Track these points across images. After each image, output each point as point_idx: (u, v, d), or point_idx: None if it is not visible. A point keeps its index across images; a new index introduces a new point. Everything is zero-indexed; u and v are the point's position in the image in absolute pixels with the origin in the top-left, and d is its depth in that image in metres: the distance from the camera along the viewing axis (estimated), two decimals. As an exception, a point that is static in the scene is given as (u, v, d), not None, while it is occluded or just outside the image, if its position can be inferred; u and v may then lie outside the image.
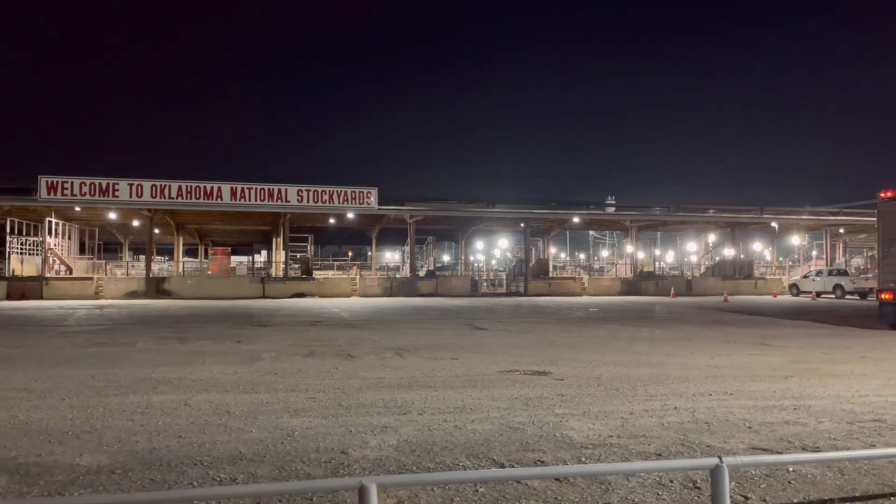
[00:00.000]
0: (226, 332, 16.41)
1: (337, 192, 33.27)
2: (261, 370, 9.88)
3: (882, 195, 18.29)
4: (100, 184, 30.16)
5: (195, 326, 17.81)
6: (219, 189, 31.64)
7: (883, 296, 18.31)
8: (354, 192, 33.56)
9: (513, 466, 4.81)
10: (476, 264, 64.12)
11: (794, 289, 38.24)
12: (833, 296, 35.85)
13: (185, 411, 6.60)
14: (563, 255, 77.82)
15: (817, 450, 5.39)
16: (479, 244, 75.51)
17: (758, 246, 59.63)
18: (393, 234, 51.17)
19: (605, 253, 72.64)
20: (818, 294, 36.26)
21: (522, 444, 5.45)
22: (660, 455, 5.15)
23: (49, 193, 29.63)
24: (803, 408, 7.08)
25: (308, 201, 32.94)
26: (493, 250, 76.01)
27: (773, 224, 41.20)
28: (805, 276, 38.39)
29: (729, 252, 43.22)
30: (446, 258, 76.78)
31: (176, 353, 12.14)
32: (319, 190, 33.10)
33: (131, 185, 30.55)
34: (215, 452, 5.09)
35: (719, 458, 3.64)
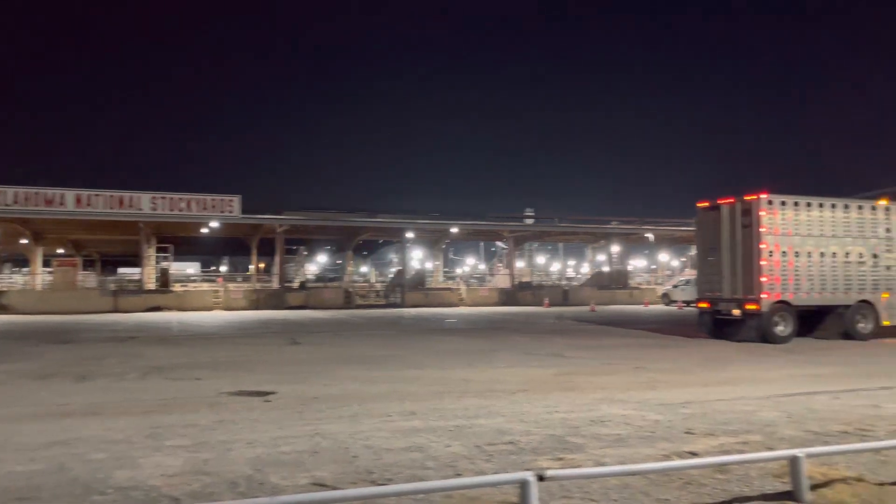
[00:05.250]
0: (7, 350, 14.96)
1: (196, 199, 31.64)
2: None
3: (699, 205, 18.58)
4: (-81, 189, 27.54)
5: (-25, 345, 16.11)
6: (62, 196, 29.48)
7: (701, 305, 18.53)
8: (215, 200, 32.03)
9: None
10: (379, 274, 63.08)
11: (666, 298, 39.10)
12: (700, 304, 36.77)
13: None
14: (481, 266, 76.37)
15: (389, 482, 4.77)
16: (395, 255, 74.07)
17: (663, 256, 60.74)
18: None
19: (540, 260, 71.58)
20: (686, 303, 37.14)
21: (32, 488, 4.60)
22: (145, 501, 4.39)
23: None
24: (464, 428, 6.54)
25: (163, 210, 31.15)
26: (411, 260, 74.33)
27: (648, 235, 42.14)
28: (675, 286, 39.35)
29: (642, 261, 43.98)
30: (364, 269, 74.37)
31: None
32: (176, 198, 31.39)
33: (-42, 190, 28.05)
34: None
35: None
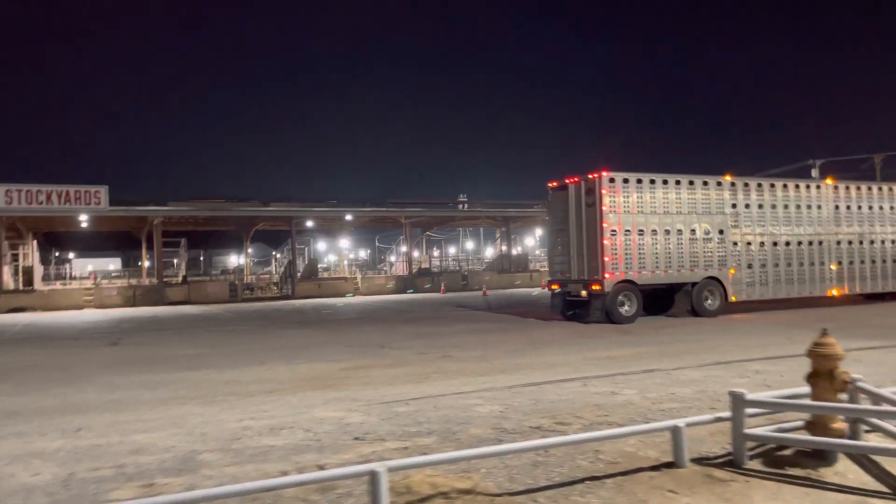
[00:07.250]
0: None
1: (56, 191, 29.43)
2: None
3: (549, 185, 18.12)
4: None
5: None
6: None
7: (552, 287, 18.10)
8: (79, 191, 29.88)
9: None
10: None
11: (564, 280, 39.07)
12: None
13: None
14: (415, 254, 73.41)
15: None
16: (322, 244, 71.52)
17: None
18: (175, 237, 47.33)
19: (469, 245, 69.58)
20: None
21: None
22: None
23: None
24: (103, 448, 5.58)
25: (19, 203, 28.84)
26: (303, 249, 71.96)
27: (547, 217, 41.98)
28: (572, 268, 39.36)
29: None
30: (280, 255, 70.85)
31: None
32: (34, 190, 29.10)
33: None
34: None
35: None
